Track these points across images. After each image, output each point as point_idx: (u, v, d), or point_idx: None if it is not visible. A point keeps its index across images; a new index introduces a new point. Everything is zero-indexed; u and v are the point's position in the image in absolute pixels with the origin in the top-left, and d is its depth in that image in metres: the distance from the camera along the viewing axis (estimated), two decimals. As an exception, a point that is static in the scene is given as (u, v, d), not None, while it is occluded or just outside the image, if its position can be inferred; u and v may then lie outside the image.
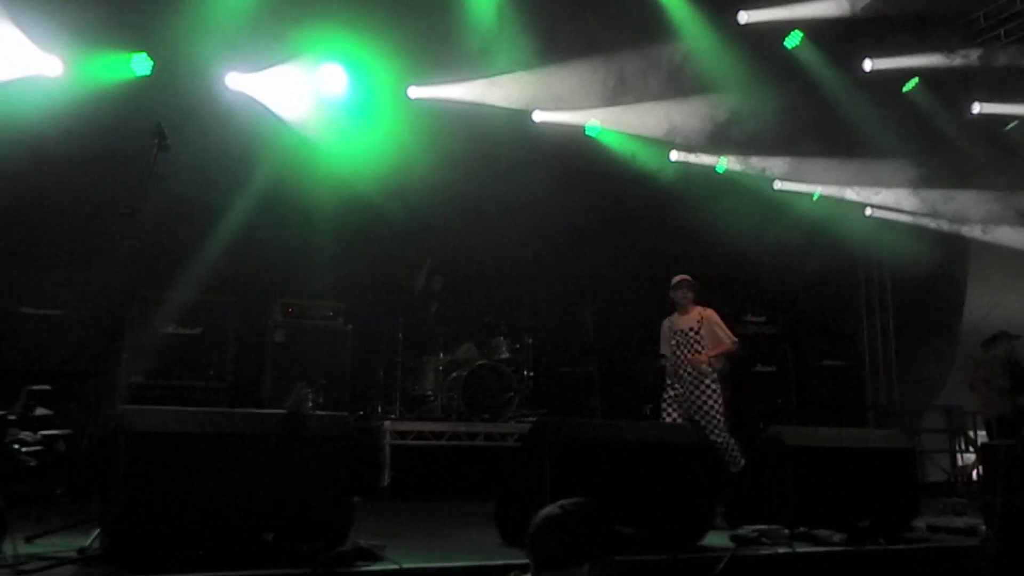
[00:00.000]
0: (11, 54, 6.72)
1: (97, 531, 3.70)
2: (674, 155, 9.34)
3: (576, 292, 8.60)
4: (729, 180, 9.52)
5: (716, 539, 4.56)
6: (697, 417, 6.26)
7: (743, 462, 6.05)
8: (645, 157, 8.97)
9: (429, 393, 7.65)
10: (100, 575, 3.38)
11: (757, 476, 5.21)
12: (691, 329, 6.55)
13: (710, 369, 6.40)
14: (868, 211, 10.39)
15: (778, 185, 9.90)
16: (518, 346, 7.94)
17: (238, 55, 7.41)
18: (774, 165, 9.74)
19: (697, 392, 6.32)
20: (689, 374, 6.38)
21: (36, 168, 6.56)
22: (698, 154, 9.39)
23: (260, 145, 7.45)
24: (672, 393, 6.47)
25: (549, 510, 2.82)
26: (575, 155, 8.73)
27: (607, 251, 8.74)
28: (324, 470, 3.92)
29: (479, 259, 8.21)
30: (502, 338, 7.88)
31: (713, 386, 6.37)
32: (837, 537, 4.61)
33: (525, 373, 7.94)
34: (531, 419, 7.17)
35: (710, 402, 6.29)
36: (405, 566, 3.64)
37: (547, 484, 4.21)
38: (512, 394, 7.52)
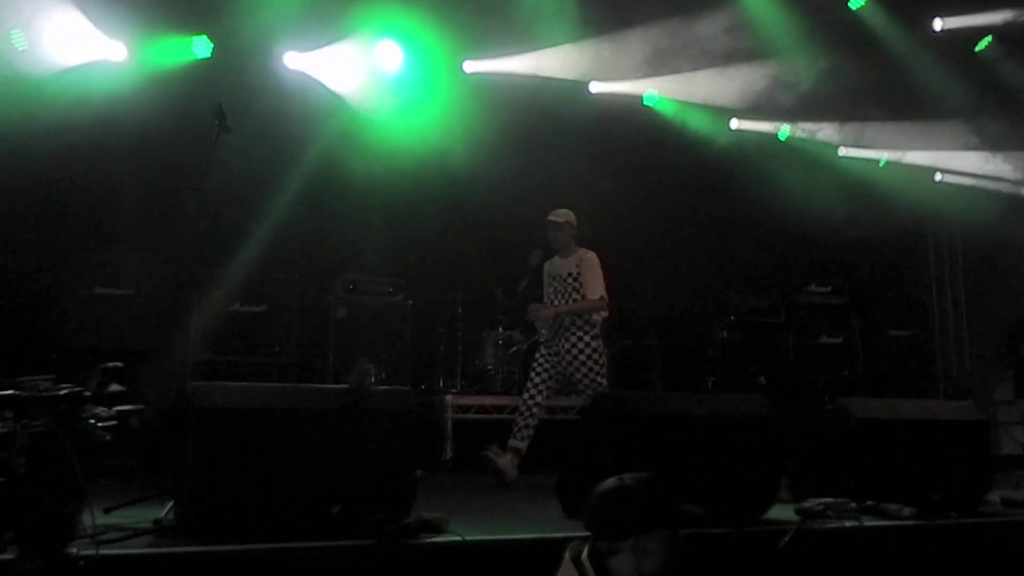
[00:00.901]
0: (77, 40, 6.89)
1: (171, 503, 3.81)
2: (734, 123, 9.15)
3: (636, 265, 8.52)
4: (792, 147, 9.30)
5: (781, 512, 4.50)
6: (578, 377, 5.73)
7: None
8: (704, 126, 8.81)
9: (489, 367, 7.69)
10: (174, 545, 3.48)
11: (823, 449, 5.12)
12: (569, 275, 5.92)
13: (587, 323, 5.75)
14: (938, 176, 10.05)
15: (843, 152, 9.64)
16: (578, 320, 7.90)
17: (296, 35, 7.48)
18: (838, 131, 9.48)
19: (573, 347, 5.76)
20: (565, 327, 5.78)
21: (103, 152, 6.74)
22: (759, 121, 9.18)
23: (319, 123, 7.52)
24: (544, 351, 5.90)
25: (608, 483, 2.82)
26: (633, 125, 8.61)
27: (667, 223, 8.63)
28: (387, 444, 3.97)
29: (536, 233, 8.18)
30: (561, 312, 7.85)
31: (593, 343, 5.76)
32: (907, 511, 4.50)
33: (585, 346, 7.90)
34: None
35: (588, 362, 5.72)
36: (468, 538, 3.68)
37: (607, 457, 4.20)
38: (572, 368, 7.50)
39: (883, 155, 9.77)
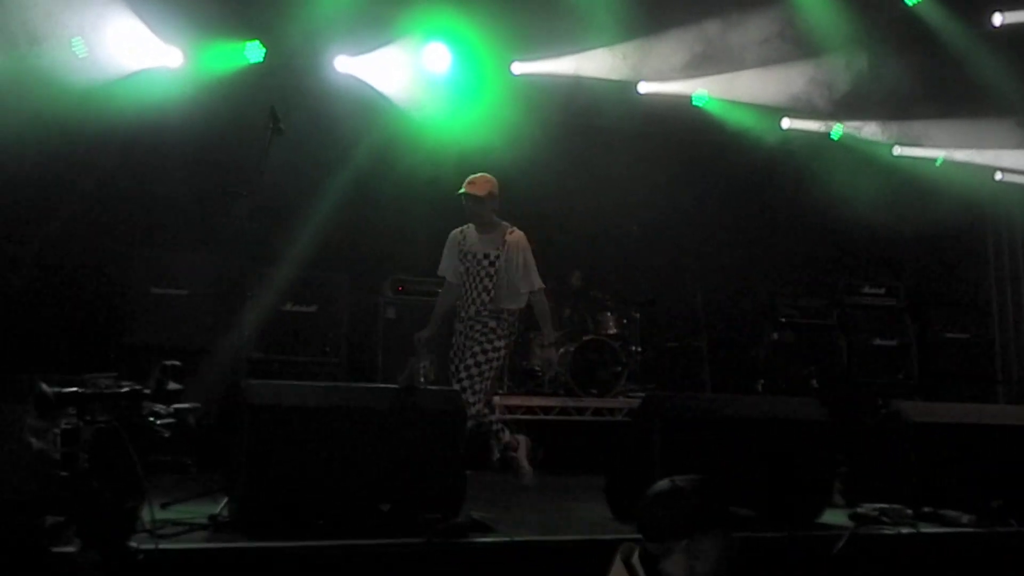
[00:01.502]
0: (135, 47, 7.06)
1: (225, 499, 3.88)
2: (785, 123, 9.02)
3: (684, 265, 8.45)
4: (844, 146, 9.14)
5: (834, 517, 4.43)
6: (465, 356, 5.10)
7: (507, 440, 5.25)
8: (754, 126, 8.71)
9: (537, 368, 7.69)
10: (229, 540, 3.55)
11: (877, 453, 5.02)
12: (486, 257, 5.16)
13: (496, 315, 5.09)
14: (998, 176, 9.80)
15: (897, 151, 9.45)
16: (625, 321, 7.87)
17: (346, 39, 7.57)
18: (893, 129, 9.29)
19: (476, 331, 5.15)
20: (472, 316, 5.13)
21: (160, 156, 6.91)
22: (811, 120, 9.04)
23: (368, 125, 7.60)
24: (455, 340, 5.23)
25: (660, 484, 2.80)
26: (682, 126, 8.55)
27: (716, 223, 8.55)
28: (437, 443, 4.00)
29: (585, 234, 8.16)
30: (609, 313, 7.82)
31: (499, 330, 5.12)
32: (966, 518, 4.40)
33: (633, 348, 7.87)
34: (640, 394, 7.12)
35: (485, 347, 5.06)
36: (516, 539, 3.68)
37: (656, 459, 4.18)
38: (620, 369, 7.48)
39: (940, 154, 9.55)
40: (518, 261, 5.21)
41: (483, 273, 5.19)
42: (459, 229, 5.42)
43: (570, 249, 7.98)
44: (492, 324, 5.25)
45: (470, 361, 5.19)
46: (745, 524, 3.54)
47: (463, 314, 5.31)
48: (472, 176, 5.37)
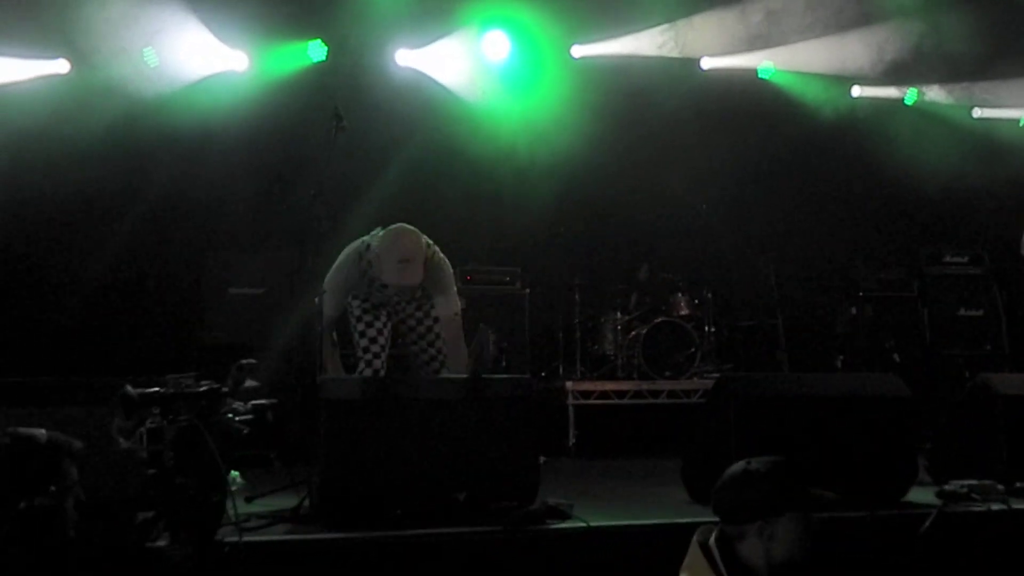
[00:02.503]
0: (203, 54, 7.25)
1: (306, 492, 3.98)
2: (856, 91, 8.75)
3: (756, 242, 8.28)
4: (920, 111, 8.81)
5: (921, 496, 4.31)
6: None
7: None
8: (823, 95, 8.47)
9: (609, 352, 7.66)
10: (310, 532, 3.64)
11: (965, 429, 4.85)
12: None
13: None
14: (1087, 134, 9.33)
15: (977, 113, 9.07)
16: (697, 301, 7.77)
17: (406, 32, 7.63)
18: (972, 90, 8.92)
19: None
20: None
21: (233, 158, 7.08)
22: (883, 87, 8.74)
23: (430, 118, 7.65)
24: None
25: (736, 466, 2.77)
26: (747, 100, 8.36)
27: (787, 198, 8.36)
28: (511, 431, 4.02)
29: (652, 215, 8.08)
30: (680, 294, 7.73)
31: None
32: (1061, 492, 4.23)
33: (706, 329, 7.77)
34: (714, 375, 7.02)
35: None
36: (593, 524, 3.68)
37: (732, 441, 4.12)
38: (693, 351, 7.39)
39: (1023, 114, 9.14)
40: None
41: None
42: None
43: (636, 237, 7.93)
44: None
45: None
46: (826, 505, 3.44)
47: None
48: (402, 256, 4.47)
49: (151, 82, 7.04)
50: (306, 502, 3.94)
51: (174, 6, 6.96)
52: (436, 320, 4.77)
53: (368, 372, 4.72)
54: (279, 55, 7.46)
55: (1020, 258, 6.34)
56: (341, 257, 4.74)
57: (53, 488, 2.90)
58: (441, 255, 4.71)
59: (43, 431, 3.00)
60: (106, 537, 3.13)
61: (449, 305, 4.73)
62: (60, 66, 7.05)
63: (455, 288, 4.84)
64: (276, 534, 3.58)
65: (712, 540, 2.71)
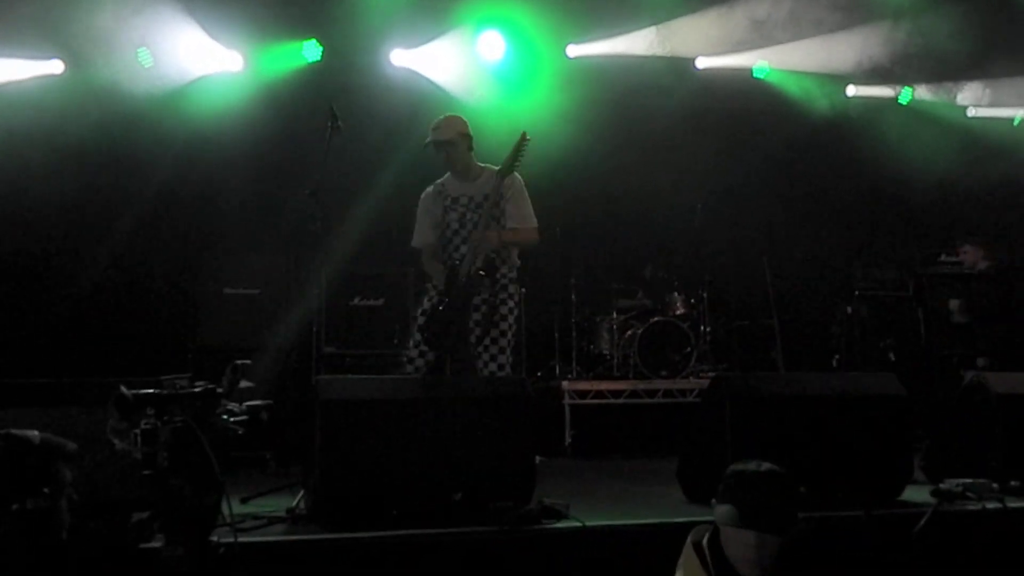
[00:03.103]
0: (198, 54, 7.24)
1: (302, 492, 3.97)
2: (851, 90, 8.77)
3: (751, 242, 8.30)
4: (915, 111, 8.84)
5: (916, 495, 4.31)
6: (494, 336, 4.52)
7: None
8: (818, 95, 8.48)
9: (605, 352, 7.66)
10: (306, 533, 3.63)
11: (960, 427, 4.86)
12: (486, 198, 4.50)
13: (508, 268, 4.48)
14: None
15: (972, 112, 9.10)
16: (692, 301, 7.78)
17: (401, 32, 7.62)
18: (966, 90, 8.94)
19: (494, 296, 4.46)
20: (479, 271, 4.37)
21: (226, 159, 7.08)
22: (878, 86, 8.76)
23: (424, 117, 7.62)
24: (428, 305, 4.55)
25: (733, 469, 2.78)
26: (742, 99, 8.38)
27: (782, 197, 8.37)
28: (507, 431, 4.01)
29: (648, 216, 8.08)
30: (676, 294, 7.74)
31: (516, 296, 4.58)
32: (1056, 491, 4.24)
33: (702, 328, 7.77)
34: (710, 375, 7.03)
35: (510, 317, 4.48)
36: (588, 524, 3.68)
37: (727, 440, 4.12)
38: (689, 350, 7.40)
39: (1018, 113, 9.16)
40: (520, 203, 4.69)
41: (485, 217, 4.54)
42: (431, 187, 4.84)
43: (633, 236, 7.93)
44: (505, 283, 4.66)
45: (502, 328, 4.60)
46: (821, 504, 3.46)
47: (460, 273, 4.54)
48: (435, 122, 4.86)
49: (146, 82, 7.03)
50: (302, 503, 3.94)
51: (169, 6, 6.94)
52: (503, 318, 4.65)
53: (409, 369, 4.73)
54: (274, 55, 7.46)
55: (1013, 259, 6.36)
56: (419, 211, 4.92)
57: (47, 490, 2.89)
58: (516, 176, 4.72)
59: (36, 433, 2.99)
60: (101, 538, 3.13)
61: (523, 216, 4.69)
62: (54, 67, 7.03)
63: (531, 205, 4.76)
64: (271, 535, 3.58)
65: (705, 540, 2.72)
